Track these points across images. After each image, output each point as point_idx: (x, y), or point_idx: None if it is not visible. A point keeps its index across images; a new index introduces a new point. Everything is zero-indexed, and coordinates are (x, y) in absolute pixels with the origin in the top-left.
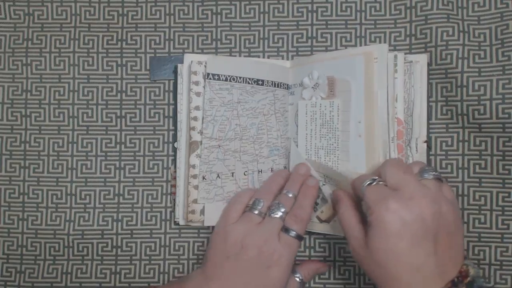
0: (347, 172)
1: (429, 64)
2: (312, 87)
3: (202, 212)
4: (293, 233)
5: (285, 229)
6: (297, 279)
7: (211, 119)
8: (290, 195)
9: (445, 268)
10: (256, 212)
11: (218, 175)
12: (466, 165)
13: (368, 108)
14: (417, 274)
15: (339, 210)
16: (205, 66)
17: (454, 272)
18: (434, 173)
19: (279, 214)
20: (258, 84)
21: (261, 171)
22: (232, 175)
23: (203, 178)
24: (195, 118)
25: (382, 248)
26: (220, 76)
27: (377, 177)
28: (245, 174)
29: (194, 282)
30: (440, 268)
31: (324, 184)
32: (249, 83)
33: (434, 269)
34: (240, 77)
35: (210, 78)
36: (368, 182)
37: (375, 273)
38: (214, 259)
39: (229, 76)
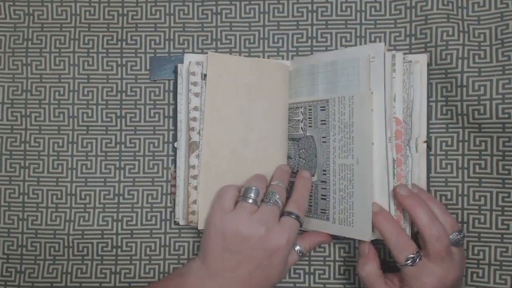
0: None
1: (429, 64)
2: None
3: None
4: (294, 215)
5: (288, 213)
6: (297, 251)
7: None
8: (282, 185)
9: None
10: (251, 201)
11: None
12: (466, 165)
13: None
14: None
15: (364, 266)
16: (203, 67)
17: None
18: (462, 240)
19: (274, 201)
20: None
21: None
22: None
23: None
24: (194, 119)
25: None
26: None
27: (419, 253)
28: None
29: (197, 277)
30: None
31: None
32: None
33: None
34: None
35: None
36: (410, 264)
37: None
38: (214, 253)
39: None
